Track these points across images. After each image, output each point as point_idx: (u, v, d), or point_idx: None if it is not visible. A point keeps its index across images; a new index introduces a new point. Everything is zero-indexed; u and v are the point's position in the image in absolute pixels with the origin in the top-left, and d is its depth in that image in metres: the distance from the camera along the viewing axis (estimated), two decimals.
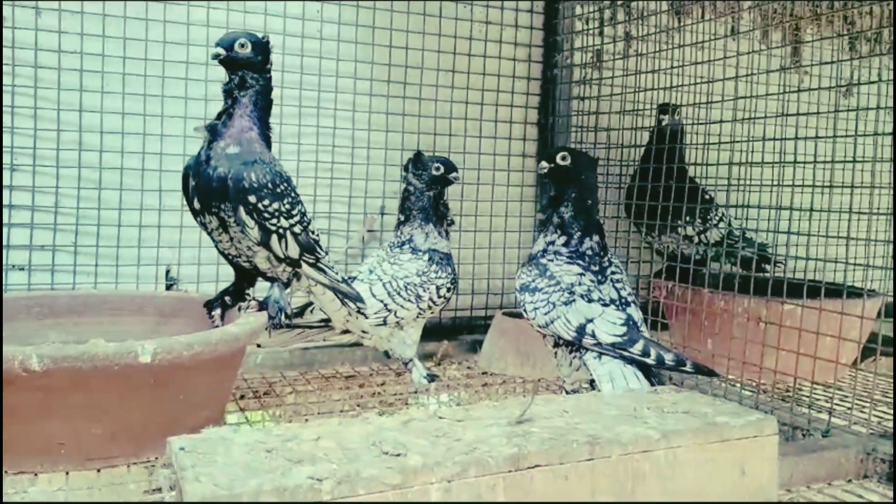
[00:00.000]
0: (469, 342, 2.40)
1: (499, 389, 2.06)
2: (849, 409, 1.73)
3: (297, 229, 1.62)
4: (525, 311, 1.75)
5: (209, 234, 1.64)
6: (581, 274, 1.71)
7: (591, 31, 2.54)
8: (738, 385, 1.91)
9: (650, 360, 1.57)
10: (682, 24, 2.36)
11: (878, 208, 1.87)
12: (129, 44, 2.08)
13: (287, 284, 1.71)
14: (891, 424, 1.71)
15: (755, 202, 2.22)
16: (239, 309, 1.69)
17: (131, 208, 2.13)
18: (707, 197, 2.50)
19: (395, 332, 2.00)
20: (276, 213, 1.57)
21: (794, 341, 1.77)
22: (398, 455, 1.05)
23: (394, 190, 2.39)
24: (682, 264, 2.14)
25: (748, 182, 2.21)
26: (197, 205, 1.60)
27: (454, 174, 2.03)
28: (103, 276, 2.10)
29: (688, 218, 2.32)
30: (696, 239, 2.46)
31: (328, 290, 1.76)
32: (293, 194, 1.62)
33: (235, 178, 1.52)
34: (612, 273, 1.75)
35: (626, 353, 1.59)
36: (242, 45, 1.57)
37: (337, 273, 1.78)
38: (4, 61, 1.96)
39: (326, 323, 1.90)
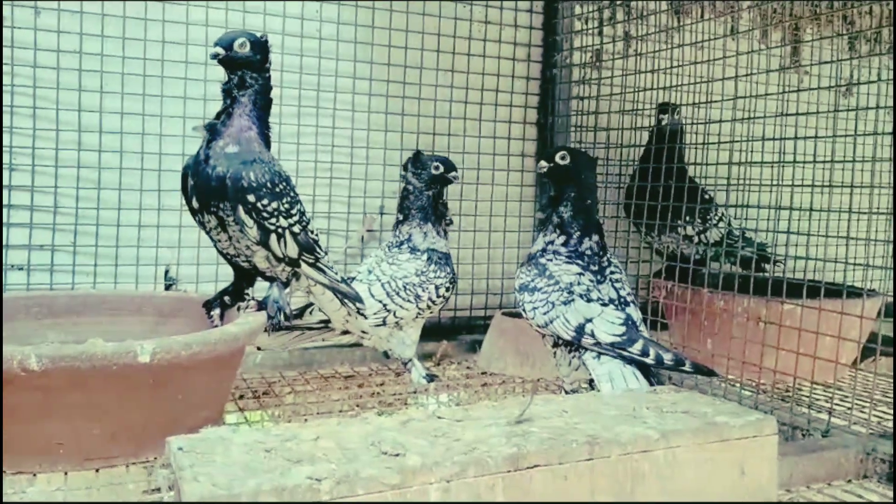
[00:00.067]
0: (468, 342, 2.39)
1: (498, 389, 2.06)
2: (849, 409, 1.73)
3: (296, 229, 1.62)
4: (524, 310, 1.74)
5: (208, 233, 1.64)
6: (580, 273, 1.71)
7: (590, 31, 2.54)
8: (738, 385, 1.91)
9: (649, 360, 1.56)
10: (681, 23, 2.36)
11: (878, 208, 1.87)
12: (127, 43, 2.08)
13: (286, 284, 1.71)
14: (891, 424, 1.71)
15: (755, 202, 2.22)
16: (238, 309, 1.69)
17: (130, 208, 2.13)
18: (707, 197, 2.50)
19: (395, 332, 2.00)
20: (275, 213, 1.57)
21: (793, 341, 1.76)
22: (397, 455, 1.04)
23: (393, 190, 2.39)
24: (681, 264, 2.14)
25: (748, 182, 2.21)
26: (196, 204, 1.59)
27: (453, 173, 2.03)
28: (102, 276, 2.10)
29: (687, 218, 2.32)
30: (695, 239, 2.46)
31: (328, 290, 1.76)
32: (292, 194, 1.62)
33: (234, 177, 1.52)
34: (612, 273, 1.75)
35: (625, 353, 1.58)
36: (242, 45, 1.57)
37: (336, 273, 1.78)
38: (4, 61, 1.95)
39: (326, 324, 1.90)
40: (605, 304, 1.67)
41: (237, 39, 1.57)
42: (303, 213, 1.65)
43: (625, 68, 2.41)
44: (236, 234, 1.58)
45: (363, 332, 1.94)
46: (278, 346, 1.92)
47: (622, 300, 1.70)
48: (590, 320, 1.63)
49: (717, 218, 2.51)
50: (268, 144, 1.62)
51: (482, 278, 2.59)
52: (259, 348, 1.95)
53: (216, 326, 1.64)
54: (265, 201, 1.55)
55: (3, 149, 1.98)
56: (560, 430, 1.16)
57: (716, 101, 2.10)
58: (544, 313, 1.68)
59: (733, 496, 1.23)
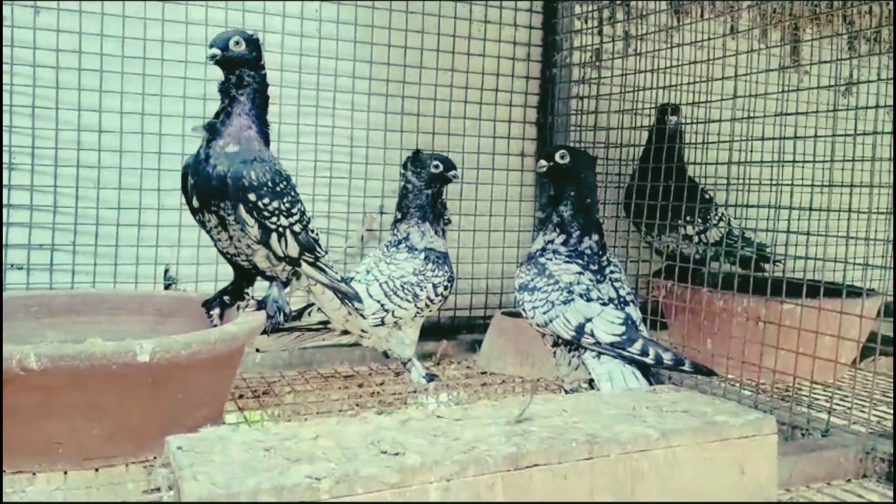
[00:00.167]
0: (468, 342, 2.39)
1: (498, 389, 2.06)
2: (848, 408, 1.73)
3: (296, 228, 1.62)
4: (524, 310, 1.74)
5: (208, 232, 1.64)
6: (580, 273, 1.71)
7: (590, 31, 2.54)
8: (738, 384, 1.91)
9: (649, 360, 1.57)
10: (681, 23, 2.37)
11: (878, 208, 1.87)
12: (127, 43, 2.08)
13: (286, 284, 1.71)
14: (890, 424, 1.71)
15: (754, 202, 2.22)
16: (238, 308, 1.69)
17: (130, 207, 2.12)
18: (707, 196, 2.50)
19: (394, 331, 2.00)
20: (276, 212, 1.57)
21: (793, 341, 1.76)
22: (396, 454, 1.04)
23: (393, 189, 2.39)
24: (681, 264, 2.14)
25: (747, 181, 2.21)
26: (196, 203, 1.59)
27: (453, 172, 2.03)
28: (102, 276, 2.10)
29: (687, 217, 2.32)
30: (695, 238, 2.46)
31: (328, 289, 1.76)
32: (293, 193, 1.62)
33: (235, 176, 1.52)
34: (611, 272, 1.75)
35: (624, 353, 1.59)
36: (237, 43, 1.57)
37: (336, 272, 1.78)
38: (3, 60, 1.95)
39: (325, 325, 1.90)
40: (604, 304, 1.67)
41: (232, 38, 1.56)
42: (303, 213, 1.65)
43: (624, 68, 2.41)
44: (237, 233, 1.58)
45: (362, 331, 1.94)
46: (278, 347, 1.92)
47: (622, 300, 1.70)
48: (589, 320, 1.63)
49: (716, 217, 2.50)
50: (267, 142, 1.62)
51: (482, 278, 2.59)
52: (258, 350, 1.95)
53: (216, 326, 1.64)
54: (266, 200, 1.54)
55: (3, 148, 1.98)
56: (560, 430, 1.16)
57: (715, 101, 2.10)
58: (544, 313, 1.68)
59: (733, 495, 1.23)
